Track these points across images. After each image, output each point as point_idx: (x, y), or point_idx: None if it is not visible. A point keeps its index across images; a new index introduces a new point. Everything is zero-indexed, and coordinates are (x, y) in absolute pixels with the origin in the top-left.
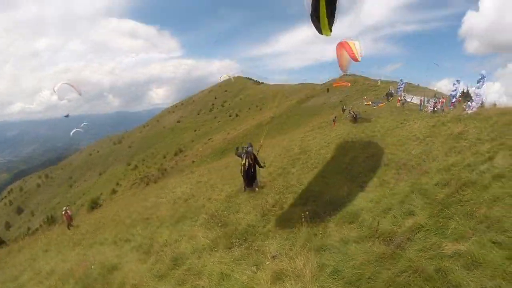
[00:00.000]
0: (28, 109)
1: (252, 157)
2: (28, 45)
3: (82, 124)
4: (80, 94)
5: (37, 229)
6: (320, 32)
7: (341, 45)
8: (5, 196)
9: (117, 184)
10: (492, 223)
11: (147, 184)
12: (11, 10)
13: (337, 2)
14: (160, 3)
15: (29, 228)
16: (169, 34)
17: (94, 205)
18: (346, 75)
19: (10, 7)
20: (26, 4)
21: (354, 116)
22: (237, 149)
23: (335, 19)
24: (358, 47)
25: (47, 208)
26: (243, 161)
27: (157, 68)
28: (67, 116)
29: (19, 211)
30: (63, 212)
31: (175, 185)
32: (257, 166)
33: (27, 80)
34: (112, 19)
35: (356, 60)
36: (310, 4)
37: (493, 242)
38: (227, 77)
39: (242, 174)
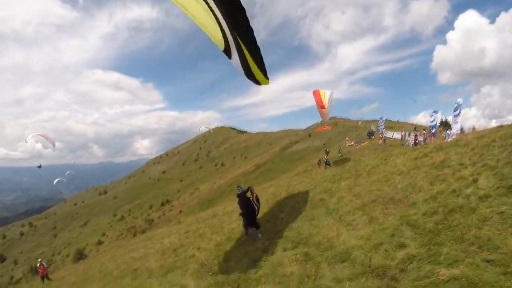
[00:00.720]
0: (12, 156)
1: (257, 195)
2: (12, 92)
3: (66, 173)
4: (53, 145)
5: (20, 279)
6: (259, 83)
7: (314, 94)
8: None
9: (103, 234)
10: (483, 243)
11: (134, 235)
12: None
13: (260, 51)
14: (143, 57)
15: (12, 277)
16: (152, 87)
17: (80, 255)
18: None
19: None
20: (12, 51)
21: (327, 162)
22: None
23: (265, 66)
24: (328, 96)
25: (31, 257)
26: (254, 194)
27: (141, 119)
28: (39, 167)
29: (2, 259)
30: (38, 265)
31: (163, 236)
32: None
33: (11, 127)
34: (97, 71)
35: (322, 107)
36: (239, 64)
37: (487, 261)
38: (206, 129)
39: (256, 206)
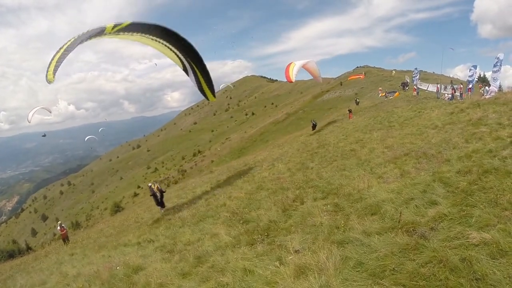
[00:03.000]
0: (46, 121)
1: (159, 186)
2: (41, 59)
3: (100, 130)
4: (50, 112)
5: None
6: (208, 99)
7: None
8: (30, 205)
9: (138, 187)
10: None
11: (168, 186)
12: (23, 26)
13: (209, 74)
14: (168, 8)
15: (54, 234)
16: None
17: (117, 208)
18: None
19: (22, 23)
20: (36, 20)
21: (314, 124)
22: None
23: (213, 86)
24: (296, 69)
25: (71, 213)
26: (156, 186)
27: (170, 72)
28: (44, 135)
29: (44, 218)
30: (58, 228)
31: (195, 185)
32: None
33: (43, 93)
34: None
35: (290, 81)
36: (194, 81)
37: None
38: (228, 84)
39: (157, 194)
